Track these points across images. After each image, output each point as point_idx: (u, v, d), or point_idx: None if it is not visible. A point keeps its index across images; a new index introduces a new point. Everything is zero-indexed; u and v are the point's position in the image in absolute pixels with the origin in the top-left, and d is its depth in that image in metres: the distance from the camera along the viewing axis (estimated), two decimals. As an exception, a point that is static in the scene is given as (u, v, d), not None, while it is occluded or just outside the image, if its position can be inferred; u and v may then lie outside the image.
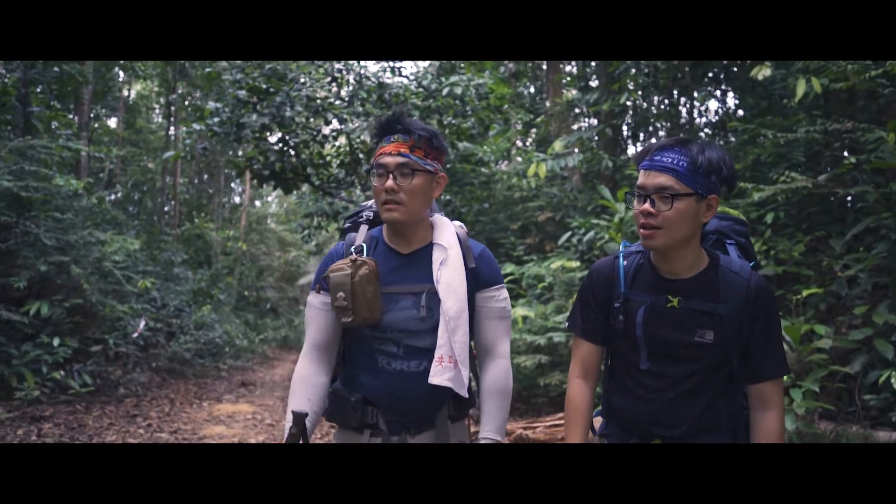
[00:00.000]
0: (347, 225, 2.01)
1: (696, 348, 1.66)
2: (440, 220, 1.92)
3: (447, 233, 1.86)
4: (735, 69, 7.92)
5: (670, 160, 1.60)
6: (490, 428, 1.80)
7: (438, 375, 1.73)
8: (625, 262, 1.77)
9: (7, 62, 9.29)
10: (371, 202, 1.96)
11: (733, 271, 1.70)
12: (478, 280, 1.86)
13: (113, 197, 16.39)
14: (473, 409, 1.94)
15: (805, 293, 4.54)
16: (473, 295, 1.85)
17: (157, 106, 21.47)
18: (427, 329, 1.78)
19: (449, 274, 1.78)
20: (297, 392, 1.80)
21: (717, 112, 9.20)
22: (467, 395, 1.81)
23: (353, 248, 1.82)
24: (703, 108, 9.38)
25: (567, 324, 1.91)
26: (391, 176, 1.74)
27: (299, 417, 1.65)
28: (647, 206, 1.60)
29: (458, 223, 1.98)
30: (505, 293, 1.91)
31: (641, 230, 1.63)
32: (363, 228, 1.91)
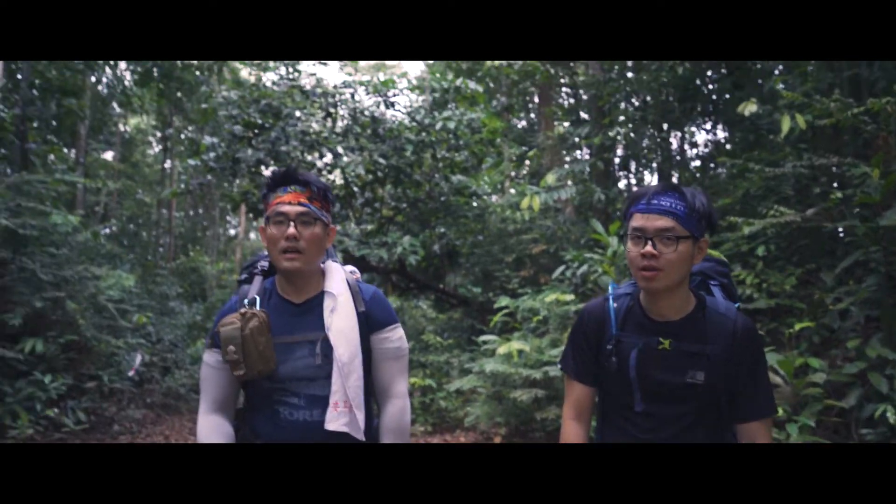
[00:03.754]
0: (243, 276, 2.02)
1: (687, 389, 1.69)
2: (331, 267, 1.95)
3: (336, 280, 1.89)
4: (721, 104, 8.08)
5: (669, 204, 1.66)
6: None
7: (334, 421, 1.76)
8: (615, 304, 1.81)
9: (5, 99, 9.40)
10: (266, 253, 1.97)
11: (720, 312, 1.74)
12: (370, 323, 1.89)
13: (108, 230, 16.42)
14: None
15: (798, 326, 4.58)
16: (368, 337, 1.89)
17: (152, 139, 21.63)
18: (324, 376, 1.80)
19: (339, 321, 1.81)
20: (211, 442, 1.81)
21: (706, 144, 9.35)
22: (364, 439, 1.82)
23: (245, 301, 1.84)
24: (692, 142, 9.54)
25: (559, 365, 1.94)
26: (292, 224, 1.78)
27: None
28: (649, 248, 1.64)
29: (349, 268, 2.03)
30: (400, 332, 1.94)
31: (642, 272, 1.66)
32: (257, 280, 1.93)
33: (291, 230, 1.77)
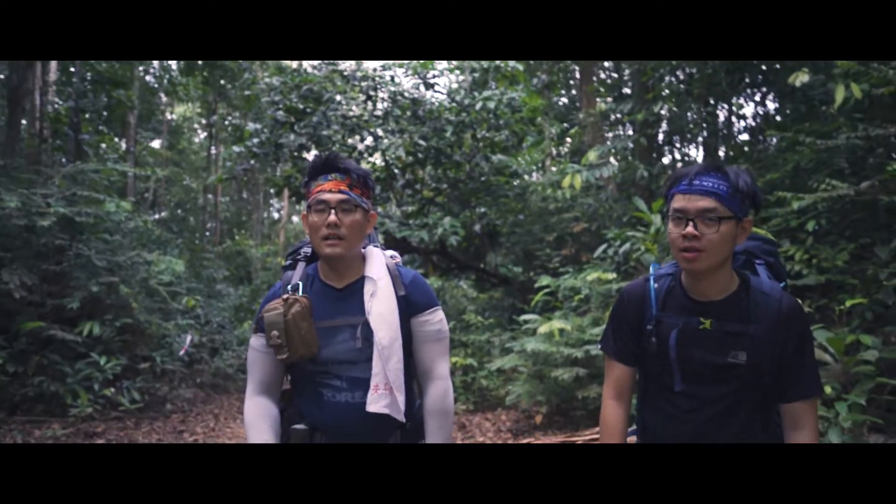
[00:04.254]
0: (287, 262, 2.06)
1: (729, 370, 1.67)
2: (371, 252, 1.98)
3: (376, 265, 1.92)
4: (772, 75, 7.80)
5: (711, 184, 1.63)
6: None
7: (375, 403, 1.79)
8: (655, 285, 1.79)
9: (59, 92, 9.72)
10: (307, 238, 2.00)
11: (764, 292, 1.70)
12: (410, 306, 1.91)
13: (157, 216, 16.92)
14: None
15: (849, 303, 4.43)
16: (408, 321, 1.91)
17: (197, 127, 22.09)
18: (365, 359, 1.83)
19: (380, 305, 1.84)
20: (257, 426, 1.84)
21: (754, 118, 9.06)
22: (405, 421, 1.86)
23: (288, 287, 1.89)
24: (740, 114, 9.25)
25: (600, 345, 1.93)
26: (332, 212, 1.81)
27: (299, 434, 1.79)
28: (690, 228, 1.61)
29: (390, 252, 2.04)
30: (440, 315, 1.96)
31: (684, 253, 1.64)
32: (300, 266, 1.96)
33: (332, 218, 1.80)
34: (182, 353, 8.84)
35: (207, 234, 18.85)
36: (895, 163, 4.90)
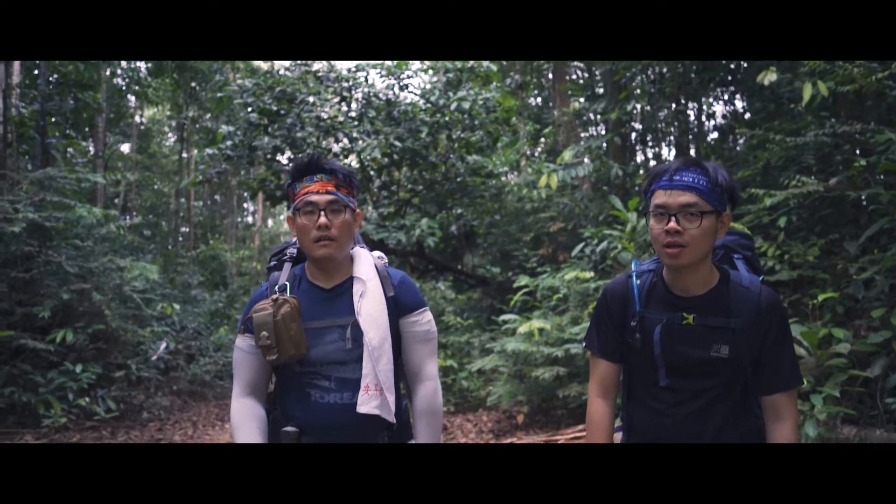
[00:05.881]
0: (272, 263, 2.05)
1: (712, 363, 1.70)
2: (359, 253, 1.98)
3: (365, 265, 1.92)
4: (741, 74, 7.94)
5: (691, 179, 1.65)
6: None
7: (366, 404, 1.79)
8: (638, 281, 1.81)
9: (24, 95, 9.51)
10: (294, 239, 2.01)
11: (744, 286, 1.73)
12: (399, 307, 1.92)
13: (128, 221, 16.63)
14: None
15: (821, 297, 4.53)
16: (397, 322, 1.92)
17: (168, 130, 21.78)
18: (354, 360, 1.84)
19: (369, 305, 1.84)
20: (244, 426, 1.83)
21: (724, 116, 9.21)
22: (394, 421, 1.86)
23: (276, 287, 1.88)
24: (710, 113, 9.40)
25: (584, 343, 1.95)
26: (322, 213, 1.80)
27: (290, 436, 1.78)
28: (672, 224, 1.63)
29: (377, 253, 2.05)
30: (428, 316, 1.97)
31: (666, 249, 1.66)
32: (287, 267, 1.96)
33: (322, 220, 1.80)
34: (155, 357, 8.70)
35: (181, 239, 18.59)
36: (861, 159, 5.02)
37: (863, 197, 5.29)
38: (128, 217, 16.79)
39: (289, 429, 1.83)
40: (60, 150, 10.78)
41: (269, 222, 25.46)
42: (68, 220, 7.66)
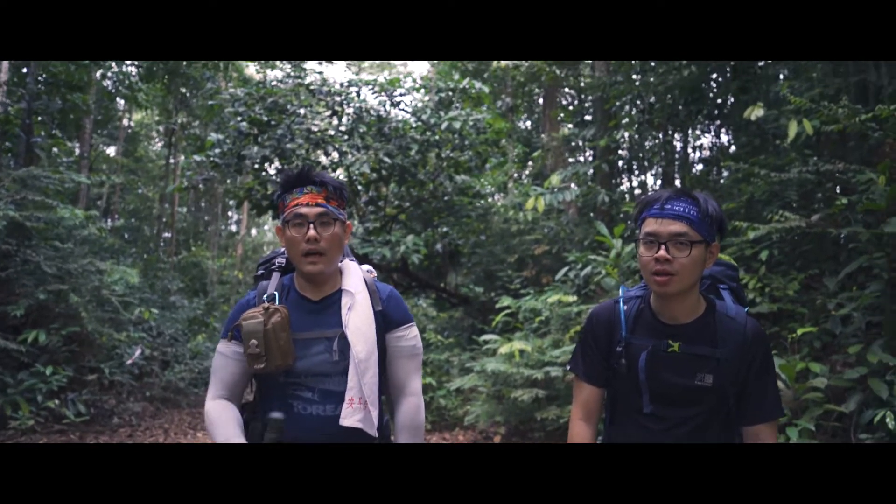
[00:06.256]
0: (260, 272, 2.03)
1: (696, 392, 1.71)
2: (348, 266, 1.97)
3: (354, 278, 1.92)
4: (727, 108, 8.09)
5: (682, 209, 1.67)
6: None
7: (349, 417, 1.78)
8: (625, 307, 1.83)
9: (11, 93, 9.41)
10: (282, 249, 1.99)
11: (730, 316, 1.75)
12: (387, 321, 1.92)
13: (110, 224, 16.45)
14: None
15: (800, 331, 4.58)
16: (384, 336, 1.91)
17: (155, 135, 21.65)
18: (339, 372, 1.82)
19: (357, 318, 1.84)
20: (222, 423, 1.78)
21: (710, 149, 9.36)
22: (377, 436, 1.84)
23: (265, 297, 1.87)
24: (697, 145, 9.55)
25: (569, 366, 1.95)
26: (311, 226, 1.80)
27: (277, 423, 1.72)
28: (662, 252, 1.65)
29: (366, 267, 2.05)
30: (415, 331, 1.96)
31: (655, 277, 1.67)
32: (275, 276, 1.95)
33: (312, 232, 1.79)
34: (130, 362, 8.56)
35: (162, 244, 18.41)
36: (843, 197, 5.12)
37: (843, 235, 5.39)
38: (110, 220, 16.62)
39: (275, 415, 1.77)
40: (45, 149, 10.66)
41: (254, 231, 25.32)
42: (49, 220, 7.56)
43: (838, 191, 5.83)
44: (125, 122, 19.00)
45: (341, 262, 1.98)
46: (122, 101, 17.20)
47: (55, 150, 12.16)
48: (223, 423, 1.79)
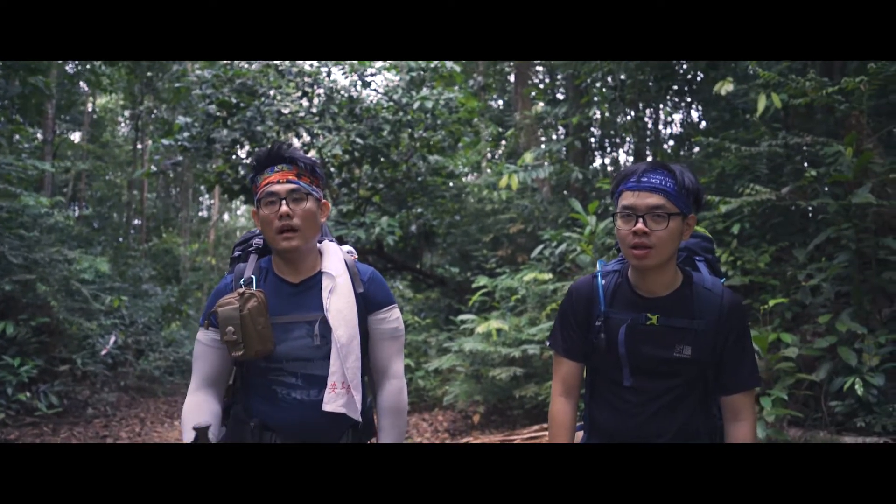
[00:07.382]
0: (237, 254, 1.99)
1: (675, 364, 1.72)
2: (328, 247, 1.93)
3: (334, 260, 1.88)
4: (697, 84, 8.13)
5: (659, 181, 1.67)
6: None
7: (332, 402, 1.76)
8: (603, 282, 1.83)
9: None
10: (257, 230, 1.95)
11: (706, 288, 1.77)
12: (368, 303, 1.89)
13: (77, 212, 16.08)
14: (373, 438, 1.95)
15: (771, 303, 4.67)
16: (365, 318, 1.89)
17: (122, 120, 21.13)
18: (321, 357, 1.79)
19: (338, 301, 1.80)
20: (191, 420, 1.74)
21: (681, 124, 9.43)
22: (360, 420, 1.83)
23: (241, 281, 1.83)
24: (668, 120, 9.61)
25: (548, 343, 1.95)
26: (283, 202, 1.76)
27: (203, 430, 1.61)
28: (640, 225, 1.65)
29: (346, 248, 2.02)
30: (397, 313, 1.94)
31: (633, 250, 1.67)
32: (252, 258, 1.90)
33: (284, 208, 1.76)
34: (104, 353, 8.42)
35: (132, 231, 18.07)
36: (811, 170, 5.20)
37: (811, 207, 5.49)
38: (77, 208, 16.25)
39: (198, 424, 1.65)
40: (6, 135, 10.36)
41: (226, 216, 24.96)
42: (13, 208, 7.36)
43: (806, 164, 5.92)
44: (89, 106, 18.50)
45: (321, 242, 1.94)
46: (85, 85, 16.73)
47: (17, 136, 11.82)
48: (192, 420, 1.74)
